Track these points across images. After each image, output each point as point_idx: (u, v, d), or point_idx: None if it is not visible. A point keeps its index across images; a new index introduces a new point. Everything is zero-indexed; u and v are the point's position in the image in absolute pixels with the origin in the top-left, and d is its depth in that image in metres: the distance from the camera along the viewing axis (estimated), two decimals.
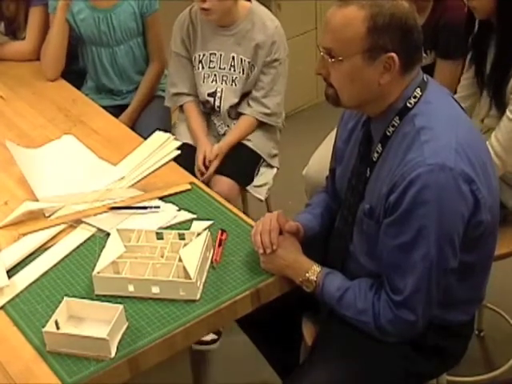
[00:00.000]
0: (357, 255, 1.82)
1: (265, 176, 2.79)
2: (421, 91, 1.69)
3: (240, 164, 2.71)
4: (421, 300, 1.67)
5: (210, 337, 2.60)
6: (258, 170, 2.78)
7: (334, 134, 2.03)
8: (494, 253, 1.84)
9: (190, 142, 2.74)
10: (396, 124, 1.69)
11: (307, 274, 1.79)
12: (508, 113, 2.15)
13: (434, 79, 2.60)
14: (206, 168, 2.66)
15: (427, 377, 1.94)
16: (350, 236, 1.83)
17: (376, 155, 1.74)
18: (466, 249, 1.68)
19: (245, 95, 2.76)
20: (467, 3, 2.21)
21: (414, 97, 1.68)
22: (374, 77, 1.65)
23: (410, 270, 1.65)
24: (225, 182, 2.61)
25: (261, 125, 2.77)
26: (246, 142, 2.74)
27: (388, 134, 1.71)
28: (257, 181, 2.75)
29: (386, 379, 1.80)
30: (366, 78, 1.66)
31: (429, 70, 2.64)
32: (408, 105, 1.68)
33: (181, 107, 2.87)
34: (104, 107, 2.78)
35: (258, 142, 2.76)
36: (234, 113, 2.78)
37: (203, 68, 2.76)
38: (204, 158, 2.66)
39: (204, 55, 2.74)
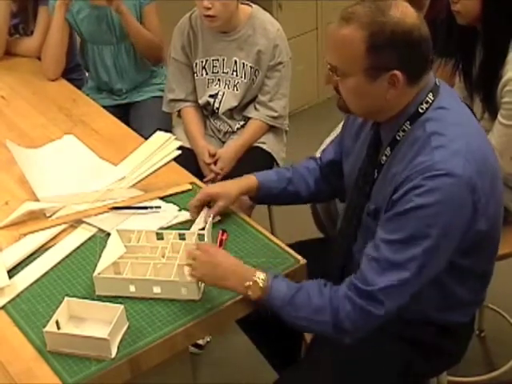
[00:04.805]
0: (359, 256, 1.82)
1: None
2: (433, 96, 1.68)
3: (258, 168, 2.71)
4: (394, 296, 1.62)
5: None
6: None
7: (338, 129, 2.05)
8: (495, 259, 1.83)
9: (186, 145, 2.74)
10: (406, 129, 1.68)
11: (254, 278, 1.69)
12: (499, 117, 2.15)
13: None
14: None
15: (426, 376, 1.95)
16: (353, 236, 1.83)
17: (384, 158, 1.73)
18: (461, 254, 1.68)
19: (251, 100, 2.77)
20: (451, 7, 2.20)
21: (426, 102, 1.67)
22: (380, 93, 1.64)
23: (395, 267, 1.61)
24: None
25: (270, 128, 2.78)
26: (260, 145, 2.76)
27: (398, 138, 1.70)
28: None
29: (385, 378, 1.80)
30: (371, 94, 1.65)
31: None
32: (420, 110, 1.67)
33: (178, 112, 2.88)
34: (105, 107, 2.79)
35: (271, 144, 2.78)
36: (238, 115, 2.79)
37: (207, 73, 2.76)
38: (210, 158, 2.68)
39: (206, 61, 2.75)
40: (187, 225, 2.01)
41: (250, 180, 2.04)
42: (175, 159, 2.28)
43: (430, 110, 1.67)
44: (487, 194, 1.64)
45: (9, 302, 1.81)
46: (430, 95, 1.68)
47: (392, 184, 1.66)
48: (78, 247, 1.98)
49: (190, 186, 2.18)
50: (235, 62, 2.71)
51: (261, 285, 1.69)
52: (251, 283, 1.70)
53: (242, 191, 2.02)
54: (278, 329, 2.03)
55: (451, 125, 1.65)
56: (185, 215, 2.05)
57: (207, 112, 2.85)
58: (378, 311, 1.63)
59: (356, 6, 1.65)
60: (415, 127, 1.67)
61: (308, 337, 2.00)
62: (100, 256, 1.86)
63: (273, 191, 2.04)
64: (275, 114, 2.74)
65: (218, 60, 2.74)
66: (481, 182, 1.62)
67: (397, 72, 1.61)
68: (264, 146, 2.76)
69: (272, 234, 2.12)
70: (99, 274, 1.80)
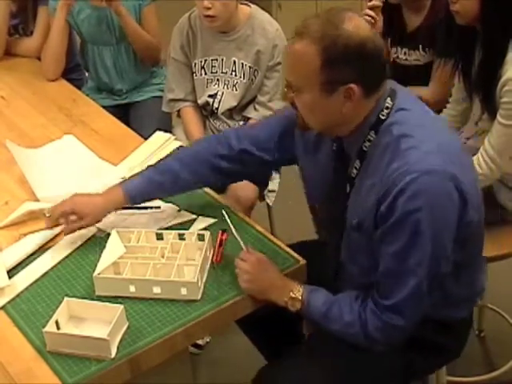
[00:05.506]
0: (347, 265, 1.82)
1: (275, 182, 2.79)
2: (391, 100, 1.67)
3: None
4: (411, 305, 1.66)
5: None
6: (271, 174, 2.78)
7: None
8: (482, 250, 1.83)
9: (186, 145, 2.74)
10: (372, 138, 1.67)
11: (291, 294, 1.76)
12: (499, 117, 2.15)
13: (432, 78, 2.63)
14: None
15: (425, 372, 1.96)
16: (338, 247, 1.82)
17: (355, 171, 1.72)
18: (457, 248, 1.68)
19: (251, 100, 2.77)
20: (450, 7, 2.21)
21: (386, 108, 1.66)
22: (335, 107, 1.63)
23: (404, 276, 1.64)
24: (249, 187, 2.59)
25: None
26: None
27: (365, 149, 1.69)
28: (269, 185, 2.76)
29: (381, 374, 1.80)
30: (326, 108, 1.64)
31: (427, 68, 2.64)
32: (381, 117, 1.66)
33: (178, 112, 2.88)
34: (104, 107, 2.79)
35: None
36: (237, 115, 2.80)
37: (206, 73, 2.77)
38: None
39: (206, 61, 2.75)
40: (187, 225, 2.02)
41: (115, 194, 1.95)
42: None
43: (392, 114, 1.66)
44: (471, 184, 1.65)
45: (9, 302, 1.81)
46: (389, 100, 1.67)
47: (372, 196, 1.65)
48: (78, 247, 1.98)
49: None
50: (234, 62, 2.72)
51: (299, 298, 1.76)
52: (289, 298, 1.77)
53: (109, 209, 1.96)
54: (278, 329, 2.03)
55: (416, 124, 1.66)
56: (184, 215, 2.05)
57: (206, 112, 2.85)
58: (399, 322, 1.68)
59: (309, 21, 1.65)
60: (381, 134, 1.66)
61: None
62: (100, 256, 1.86)
63: (145, 197, 1.98)
64: None
65: (216, 60, 2.74)
66: (461, 173, 1.62)
67: (353, 85, 1.60)
68: None
69: (272, 234, 2.12)
70: (99, 274, 1.80)
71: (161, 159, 2.04)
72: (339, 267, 1.84)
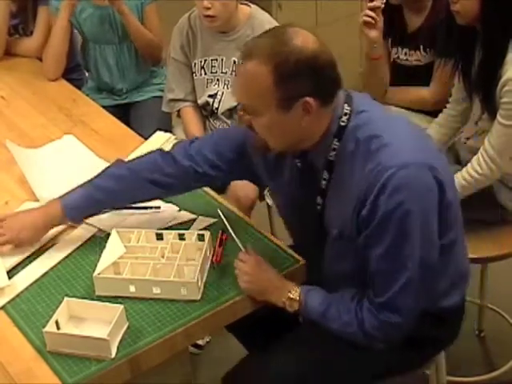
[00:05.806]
0: (331, 271, 1.82)
1: None
2: (349, 105, 1.67)
3: None
4: (405, 299, 1.66)
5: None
6: None
7: None
8: (462, 226, 1.82)
9: None
10: (336, 146, 1.67)
11: (289, 294, 1.76)
12: (499, 117, 2.15)
13: (433, 78, 2.63)
14: None
15: (419, 366, 1.97)
16: (318, 255, 1.82)
17: (324, 183, 1.72)
18: (444, 231, 1.68)
19: None
20: (451, 7, 2.21)
21: (345, 114, 1.66)
22: (294, 122, 1.63)
23: (395, 272, 1.64)
24: (249, 187, 2.58)
25: None
26: None
27: (331, 159, 1.69)
28: None
29: (379, 372, 1.81)
30: (285, 125, 1.64)
31: (428, 68, 2.64)
32: (341, 124, 1.66)
33: (178, 112, 2.88)
34: (104, 107, 2.80)
35: None
36: (237, 115, 2.80)
37: (206, 73, 2.77)
38: None
39: (205, 61, 2.75)
40: (187, 225, 2.02)
41: (54, 208, 1.93)
42: None
43: (352, 118, 1.66)
44: (445, 171, 1.67)
45: (9, 302, 1.81)
46: (346, 106, 1.67)
47: (349, 202, 1.65)
48: (78, 247, 1.98)
49: None
50: (234, 62, 2.71)
51: (296, 299, 1.76)
52: (287, 299, 1.77)
53: (48, 223, 1.94)
54: (277, 331, 2.02)
55: (380, 123, 1.67)
56: (184, 215, 2.05)
57: (206, 112, 2.85)
58: (397, 320, 1.68)
59: (255, 40, 1.65)
60: (345, 141, 1.66)
61: None
62: (100, 256, 1.86)
63: (84, 213, 1.96)
64: None
65: (216, 60, 2.74)
66: (434, 159, 1.64)
67: (308, 99, 1.59)
68: None
69: (272, 234, 2.12)
70: (99, 274, 1.80)
71: (102, 172, 1.98)
72: (324, 276, 1.84)
